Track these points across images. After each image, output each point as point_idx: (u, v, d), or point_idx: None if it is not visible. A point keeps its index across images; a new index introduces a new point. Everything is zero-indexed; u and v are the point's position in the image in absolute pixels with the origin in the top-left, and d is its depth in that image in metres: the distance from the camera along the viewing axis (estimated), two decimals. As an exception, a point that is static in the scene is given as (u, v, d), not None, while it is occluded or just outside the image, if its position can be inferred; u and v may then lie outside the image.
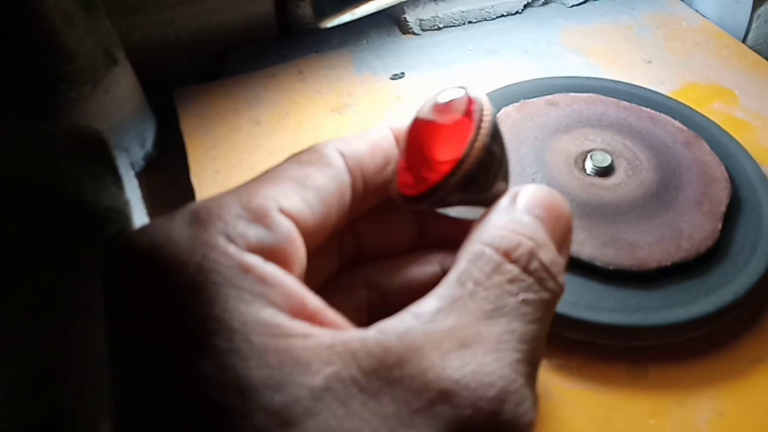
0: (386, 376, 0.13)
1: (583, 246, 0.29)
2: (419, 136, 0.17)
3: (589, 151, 0.34)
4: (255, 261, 0.14)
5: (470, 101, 0.17)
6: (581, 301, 0.28)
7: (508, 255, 0.15)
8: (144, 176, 0.39)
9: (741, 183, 0.33)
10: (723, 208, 0.31)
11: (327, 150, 0.17)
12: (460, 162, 0.16)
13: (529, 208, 0.16)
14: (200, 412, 0.12)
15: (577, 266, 0.29)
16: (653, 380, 0.27)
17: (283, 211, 0.15)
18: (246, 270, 0.13)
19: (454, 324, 0.13)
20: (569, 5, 0.51)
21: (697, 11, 0.51)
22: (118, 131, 0.37)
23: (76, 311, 0.31)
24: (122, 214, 0.33)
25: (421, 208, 0.17)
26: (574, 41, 0.47)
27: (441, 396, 0.12)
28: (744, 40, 0.49)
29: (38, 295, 0.30)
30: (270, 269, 0.14)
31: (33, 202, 0.31)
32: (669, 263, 0.29)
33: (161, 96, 0.41)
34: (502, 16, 0.50)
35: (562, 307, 0.28)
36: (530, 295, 0.14)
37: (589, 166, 0.33)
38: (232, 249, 0.13)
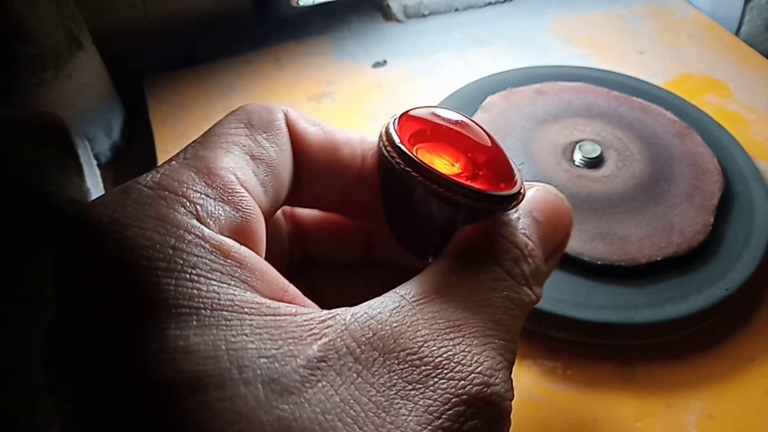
0: (381, 347, 0.13)
1: (571, 240, 0.28)
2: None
3: (578, 142, 0.33)
4: (231, 244, 0.13)
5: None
6: (568, 298, 0.27)
7: (494, 258, 0.15)
8: (111, 168, 0.37)
9: (733, 176, 0.32)
10: (715, 201, 0.30)
11: (277, 113, 0.16)
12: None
13: (529, 209, 0.16)
14: (190, 382, 0.12)
15: (565, 261, 0.28)
16: (641, 381, 0.26)
17: (241, 184, 0.15)
18: (225, 254, 0.13)
19: (443, 308, 0.14)
20: (559, -6, 0.50)
21: (689, 3, 0.50)
22: (82, 120, 0.35)
23: (36, 308, 0.29)
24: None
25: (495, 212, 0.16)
26: (564, 31, 0.46)
27: (436, 369, 0.13)
28: (737, 33, 0.48)
29: (-3, 291, 0.28)
30: (247, 253, 0.14)
31: (-9, 193, 0.30)
32: (659, 258, 0.28)
33: (130, 84, 0.39)
34: (490, 3, 0.48)
35: (548, 304, 0.27)
36: (513, 294, 0.15)
37: (577, 157, 0.32)
38: (207, 232, 0.13)
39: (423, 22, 0.47)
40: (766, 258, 0.29)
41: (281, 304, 0.13)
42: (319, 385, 0.12)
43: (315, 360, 0.12)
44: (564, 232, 0.17)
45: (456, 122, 0.16)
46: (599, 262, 0.28)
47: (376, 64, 0.42)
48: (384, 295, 0.14)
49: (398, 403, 0.12)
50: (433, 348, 0.13)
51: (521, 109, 0.35)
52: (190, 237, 0.13)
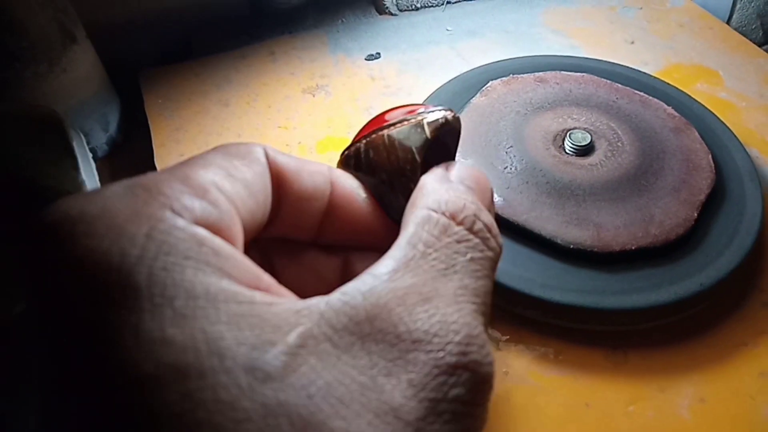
0: (358, 331, 0.13)
1: (547, 223, 0.29)
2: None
3: (569, 130, 0.33)
4: (205, 234, 0.13)
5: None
6: (537, 278, 0.27)
7: (454, 217, 0.16)
8: (108, 161, 0.37)
9: (729, 175, 0.32)
10: (702, 197, 0.30)
11: (254, 148, 0.17)
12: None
13: (460, 178, 0.17)
14: (169, 374, 0.11)
15: (538, 243, 0.28)
16: (633, 366, 0.26)
17: (220, 190, 0.15)
18: (199, 242, 0.13)
19: (413, 282, 0.14)
20: (551, -14, 0.50)
21: (681, -8, 0.50)
22: (78, 113, 0.35)
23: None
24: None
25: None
26: (556, 22, 0.46)
27: (414, 344, 0.13)
28: (728, 22, 0.48)
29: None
30: (221, 242, 0.14)
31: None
32: (633, 247, 0.28)
33: (126, 78, 0.39)
34: (482, -4, 0.49)
35: (516, 282, 0.27)
36: (477, 254, 0.15)
37: (567, 144, 0.32)
38: (180, 221, 0.13)
39: (416, 16, 0.47)
40: (751, 253, 0.29)
41: (257, 293, 0.13)
42: (301, 369, 0.12)
43: (294, 347, 0.12)
44: (489, 195, 0.18)
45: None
46: (572, 246, 0.28)
47: (370, 57, 0.42)
48: (357, 277, 0.15)
49: (382, 380, 0.13)
50: (409, 323, 0.14)
51: (520, 95, 0.35)
52: (163, 226, 0.13)
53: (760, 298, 0.29)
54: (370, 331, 0.13)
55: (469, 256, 0.15)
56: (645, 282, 0.27)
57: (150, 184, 0.14)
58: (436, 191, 0.17)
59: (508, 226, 0.29)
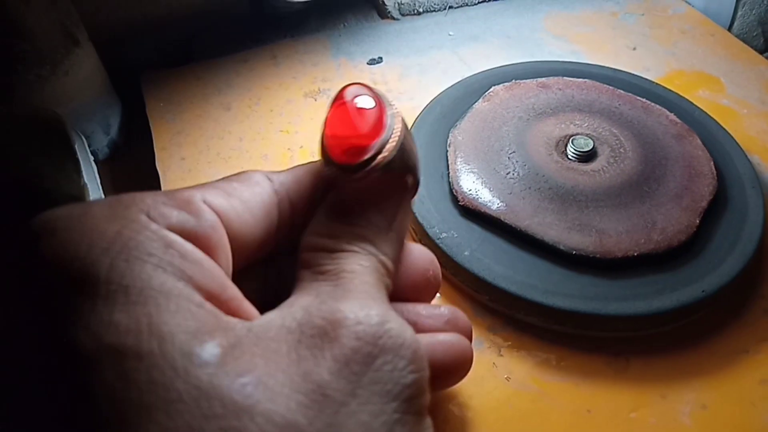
0: (283, 338, 0.14)
1: (549, 229, 0.29)
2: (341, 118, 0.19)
3: (572, 136, 0.33)
4: (175, 238, 0.14)
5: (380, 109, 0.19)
6: (539, 284, 0.27)
7: (338, 245, 0.17)
8: (109, 164, 0.37)
9: (731, 182, 0.32)
10: (704, 204, 0.30)
11: (254, 174, 0.18)
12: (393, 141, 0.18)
13: (357, 194, 0.18)
14: (107, 354, 0.12)
15: (540, 248, 0.28)
16: (635, 372, 0.26)
17: (207, 204, 0.16)
18: (167, 244, 0.14)
19: (325, 296, 0.16)
20: (553, -8, 0.50)
21: (682, -2, 0.50)
22: (80, 116, 0.35)
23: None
24: (82, 201, 0.32)
25: (359, 178, 0.18)
26: (557, 27, 0.46)
27: (335, 326, 0.14)
28: (729, 29, 0.48)
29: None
30: (190, 247, 0.15)
31: (-12, 190, 0.30)
32: (636, 253, 0.28)
33: (128, 81, 0.39)
34: (484, 1, 0.49)
35: (518, 288, 0.27)
36: (365, 261, 0.17)
37: (570, 150, 0.32)
38: (153, 225, 0.14)
39: (418, 20, 0.47)
40: (753, 260, 0.29)
41: (207, 303, 0.14)
42: (237, 362, 0.13)
43: (229, 346, 0.14)
44: (398, 194, 0.19)
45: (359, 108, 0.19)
46: (574, 252, 0.28)
47: (372, 61, 0.42)
48: (276, 309, 0.16)
49: (309, 365, 0.14)
50: (328, 315, 0.15)
51: (523, 100, 0.35)
52: (135, 226, 0.14)
53: (762, 305, 0.29)
54: (292, 337, 0.14)
55: (360, 262, 0.17)
56: (647, 288, 0.27)
57: (135, 196, 0.15)
58: (318, 224, 0.18)
59: (510, 232, 0.29)
